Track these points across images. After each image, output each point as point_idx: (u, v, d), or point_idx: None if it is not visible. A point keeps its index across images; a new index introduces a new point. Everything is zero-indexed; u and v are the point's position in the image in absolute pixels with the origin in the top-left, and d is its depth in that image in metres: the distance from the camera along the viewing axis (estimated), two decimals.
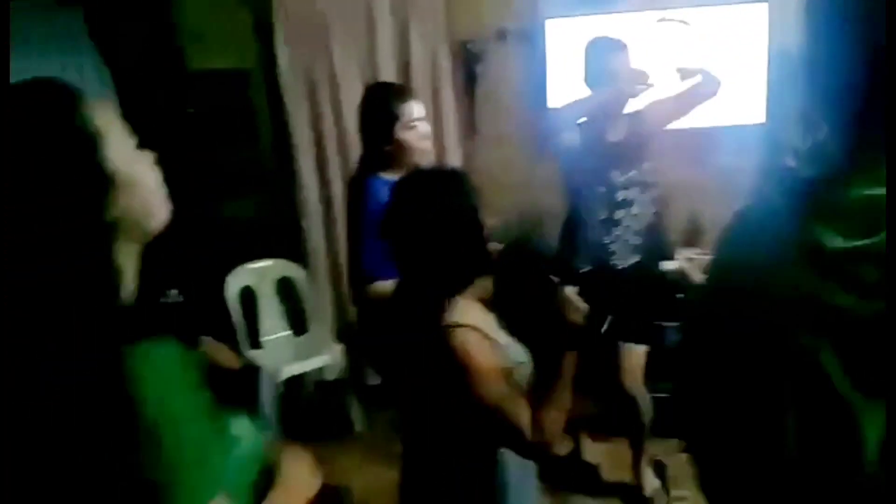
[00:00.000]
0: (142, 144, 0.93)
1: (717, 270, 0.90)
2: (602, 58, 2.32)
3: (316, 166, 3.45)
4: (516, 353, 1.37)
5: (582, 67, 2.38)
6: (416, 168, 1.88)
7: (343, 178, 3.42)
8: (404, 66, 3.33)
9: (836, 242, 0.67)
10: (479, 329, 1.29)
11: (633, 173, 2.36)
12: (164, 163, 0.98)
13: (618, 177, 2.36)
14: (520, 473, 1.39)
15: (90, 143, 0.83)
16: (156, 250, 1.18)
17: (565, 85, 3.10)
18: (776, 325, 0.73)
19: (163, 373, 0.83)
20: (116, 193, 0.84)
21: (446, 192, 1.33)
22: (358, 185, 2.08)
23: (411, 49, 3.28)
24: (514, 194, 3.36)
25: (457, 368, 1.25)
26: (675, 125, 2.46)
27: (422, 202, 1.32)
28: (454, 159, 3.37)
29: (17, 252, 0.80)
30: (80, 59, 3.24)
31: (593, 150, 2.35)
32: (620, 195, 2.37)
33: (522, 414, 1.26)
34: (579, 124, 2.37)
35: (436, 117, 3.31)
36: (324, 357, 3.16)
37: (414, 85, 3.24)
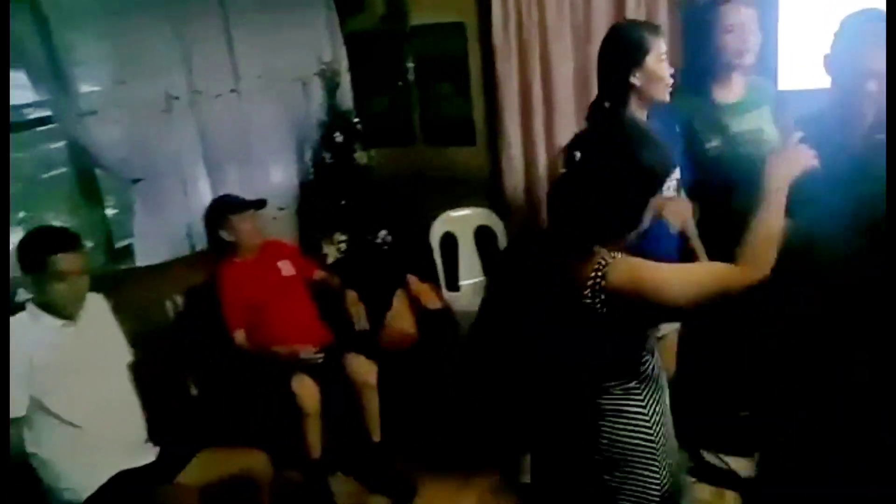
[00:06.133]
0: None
1: None
2: (863, 45, 1.69)
3: (521, 121, 3.50)
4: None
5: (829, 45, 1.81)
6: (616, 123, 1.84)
7: (547, 134, 3.46)
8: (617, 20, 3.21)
9: None
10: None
11: None
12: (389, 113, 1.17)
13: None
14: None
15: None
16: (372, 195, 1.37)
17: (796, 52, 2.79)
18: None
19: None
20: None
21: (635, 147, 1.33)
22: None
23: (627, 2, 3.16)
24: None
25: (633, 290, 1.28)
26: None
27: (606, 154, 1.34)
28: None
29: None
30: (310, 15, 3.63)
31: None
32: None
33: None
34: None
35: None
36: None
37: None
